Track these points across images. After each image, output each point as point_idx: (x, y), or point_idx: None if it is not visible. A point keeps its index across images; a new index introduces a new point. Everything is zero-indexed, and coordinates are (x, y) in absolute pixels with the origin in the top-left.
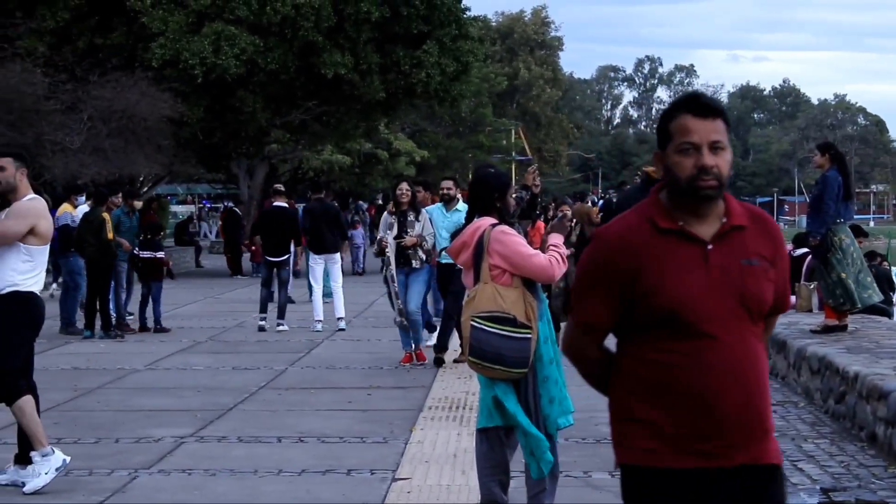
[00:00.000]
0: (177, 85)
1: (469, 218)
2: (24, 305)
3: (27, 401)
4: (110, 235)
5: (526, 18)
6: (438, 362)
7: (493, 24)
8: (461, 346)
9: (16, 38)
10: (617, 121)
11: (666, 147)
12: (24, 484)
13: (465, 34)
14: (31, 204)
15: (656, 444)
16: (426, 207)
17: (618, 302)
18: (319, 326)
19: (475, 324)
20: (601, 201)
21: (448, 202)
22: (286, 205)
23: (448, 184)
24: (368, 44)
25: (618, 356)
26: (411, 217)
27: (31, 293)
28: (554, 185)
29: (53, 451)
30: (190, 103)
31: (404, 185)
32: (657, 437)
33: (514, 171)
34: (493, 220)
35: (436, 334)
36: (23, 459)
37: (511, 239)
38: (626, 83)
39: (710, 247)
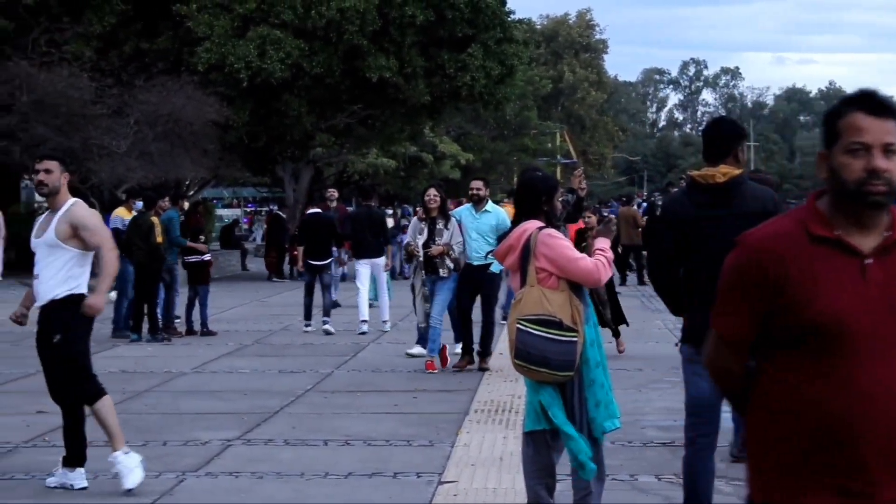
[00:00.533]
0: (222, 89)
1: (516, 221)
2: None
3: (108, 400)
4: (159, 239)
5: (570, 21)
6: (483, 370)
7: (538, 27)
8: (469, 348)
9: (63, 43)
10: (662, 123)
11: (832, 146)
12: (72, 486)
13: (510, 37)
14: (82, 210)
15: (791, 478)
16: (454, 210)
17: (760, 313)
18: (365, 327)
19: (521, 327)
20: (645, 204)
21: (477, 203)
22: (320, 210)
23: (478, 184)
24: (413, 47)
25: (754, 375)
26: (440, 224)
27: (84, 295)
28: (599, 187)
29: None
30: (235, 107)
31: (432, 191)
32: (793, 470)
33: (560, 174)
34: (540, 224)
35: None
36: (70, 462)
37: (558, 242)
38: (671, 86)
39: (868, 261)
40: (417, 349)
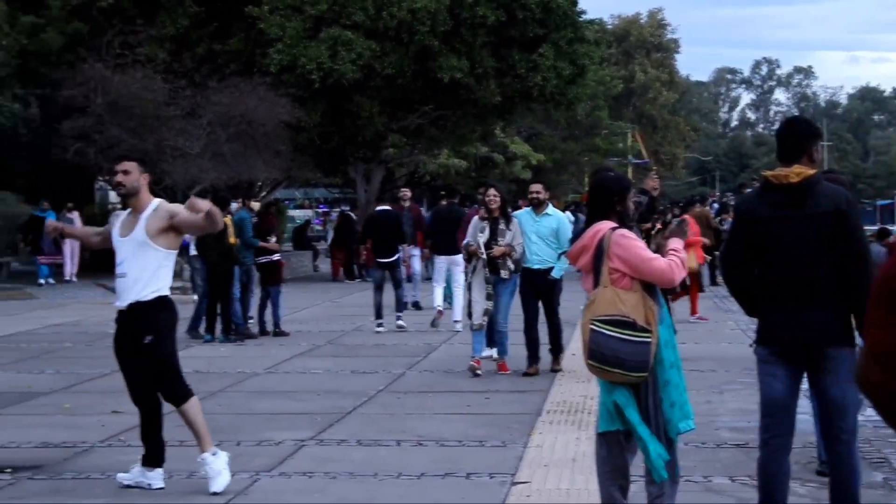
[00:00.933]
0: (294, 90)
1: (588, 222)
2: (169, 307)
3: (196, 401)
4: (232, 240)
5: (642, 21)
6: (555, 371)
7: (609, 27)
8: (529, 357)
9: (137, 46)
10: (734, 123)
11: None
12: (149, 486)
13: (581, 37)
14: (170, 203)
15: None
16: (516, 213)
17: None
18: (438, 308)
19: (595, 327)
20: (717, 204)
21: (537, 206)
22: (389, 207)
23: (537, 187)
24: (484, 48)
25: None
26: (502, 225)
27: (169, 296)
28: (671, 188)
29: (217, 453)
30: (307, 108)
31: (492, 191)
32: None
33: (631, 175)
34: (613, 224)
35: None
36: (149, 462)
37: (631, 243)
38: (743, 85)
39: None
40: (487, 352)
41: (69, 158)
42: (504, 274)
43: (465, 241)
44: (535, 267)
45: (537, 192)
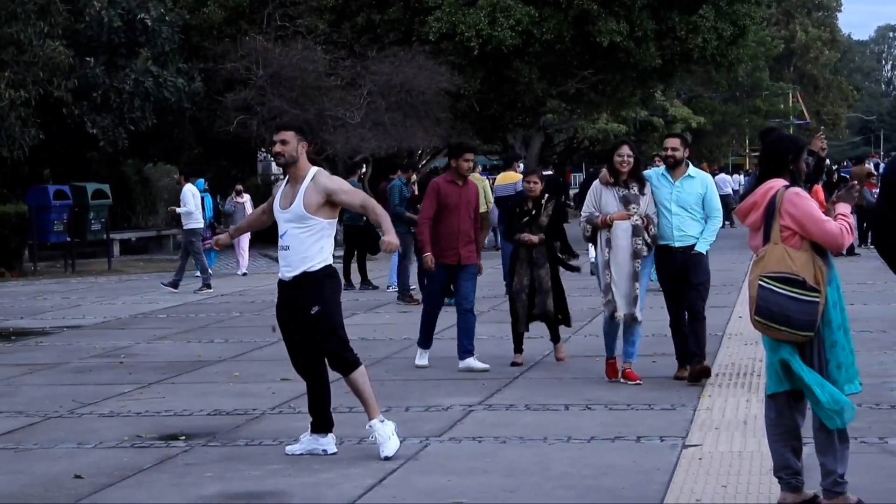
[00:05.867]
0: (453, 58)
1: (760, 179)
2: (334, 277)
3: (363, 370)
4: None
5: None
6: (705, 374)
7: None
8: (679, 357)
9: (297, 17)
10: None
11: None
12: (325, 452)
13: None
14: (327, 178)
15: None
16: (646, 172)
17: None
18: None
19: (763, 283)
20: (882, 164)
21: (673, 167)
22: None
23: (673, 143)
24: (643, 10)
25: None
26: (634, 190)
27: (332, 265)
28: (834, 148)
29: (384, 420)
30: (466, 75)
31: (626, 150)
32: None
33: None
34: (786, 182)
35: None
36: (320, 428)
37: (805, 202)
38: None
39: None
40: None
41: (232, 130)
42: (642, 249)
43: (586, 215)
44: (677, 245)
45: (674, 149)
